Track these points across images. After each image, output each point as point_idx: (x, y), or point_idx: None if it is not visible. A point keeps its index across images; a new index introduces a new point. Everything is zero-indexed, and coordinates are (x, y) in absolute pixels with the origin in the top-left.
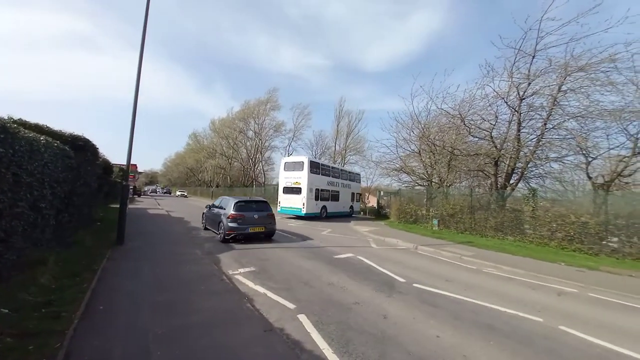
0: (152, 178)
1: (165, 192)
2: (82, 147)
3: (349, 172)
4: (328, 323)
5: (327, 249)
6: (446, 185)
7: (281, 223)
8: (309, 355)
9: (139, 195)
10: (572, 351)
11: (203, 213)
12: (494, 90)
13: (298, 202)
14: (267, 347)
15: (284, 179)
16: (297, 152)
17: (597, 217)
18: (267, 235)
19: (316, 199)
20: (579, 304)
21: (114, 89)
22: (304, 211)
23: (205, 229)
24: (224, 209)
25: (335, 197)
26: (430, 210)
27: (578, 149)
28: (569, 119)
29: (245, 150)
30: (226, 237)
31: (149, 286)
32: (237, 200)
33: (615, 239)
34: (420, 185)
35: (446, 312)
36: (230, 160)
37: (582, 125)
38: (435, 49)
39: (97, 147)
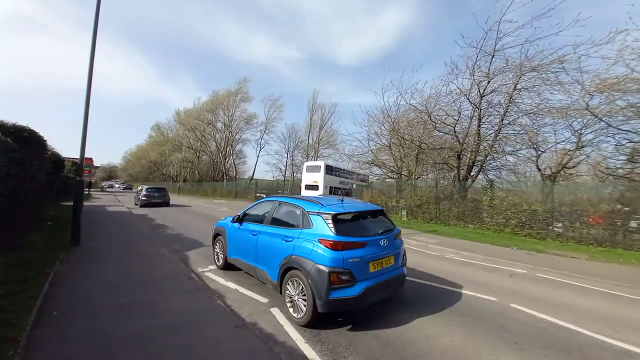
0: (110, 173)
1: (125, 188)
2: (27, 140)
3: (359, 174)
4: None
5: None
6: (414, 178)
7: None
8: (282, 347)
9: (100, 189)
10: (521, 326)
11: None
12: (458, 87)
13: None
14: (238, 343)
15: (306, 178)
16: (270, 145)
17: (544, 205)
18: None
19: (330, 194)
20: (529, 283)
21: (66, 77)
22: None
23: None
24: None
25: (347, 194)
26: (400, 201)
27: (530, 143)
28: (522, 116)
29: (214, 143)
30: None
31: (109, 289)
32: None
33: (560, 225)
34: (391, 178)
35: (411, 296)
36: (198, 153)
37: (534, 121)
38: (405, 45)
39: (45, 139)
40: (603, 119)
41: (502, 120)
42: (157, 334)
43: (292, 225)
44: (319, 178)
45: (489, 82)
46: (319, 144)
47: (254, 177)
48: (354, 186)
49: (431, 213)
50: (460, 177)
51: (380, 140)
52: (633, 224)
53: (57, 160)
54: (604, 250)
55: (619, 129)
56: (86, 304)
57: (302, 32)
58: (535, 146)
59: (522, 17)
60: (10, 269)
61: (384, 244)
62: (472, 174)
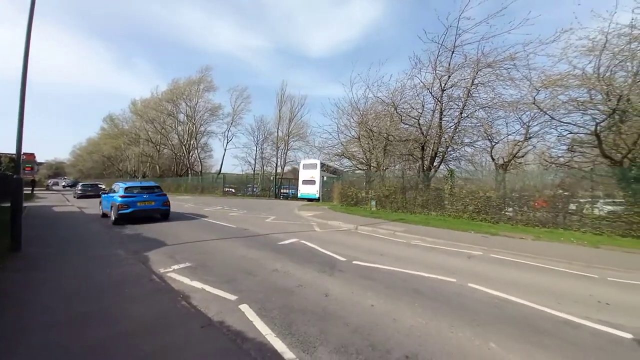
0: (57, 169)
1: (68, 186)
2: None
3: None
4: (271, 309)
5: (271, 236)
6: (382, 169)
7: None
8: (252, 343)
9: (46, 188)
10: (477, 303)
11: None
12: (421, 81)
13: (313, 190)
14: (206, 344)
15: (303, 174)
16: (238, 138)
17: (498, 192)
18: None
19: (323, 188)
20: (484, 264)
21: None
22: (317, 196)
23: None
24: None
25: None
26: (369, 192)
27: (485, 134)
28: (479, 109)
29: (176, 136)
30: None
31: (60, 298)
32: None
33: (511, 209)
34: (360, 170)
35: (380, 283)
36: (158, 147)
37: (489, 114)
38: (373, 39)
39: None
40: (547, 112)
41: (461, 113)
42: (118, 342)
43: (114, 192)
44: (315, 174)
45: (449, 76)
46: (289, 136)
47: (222, 171)
48: (325, 178)
49: (398, 202)
50: (424, 168)
51: (350, 133)
52: (572, 206)
53: None
54: (547, 230)
55: (561, 122)
56: (36, 315)
57: (269, 21)
58: (489, 137)
59: (479, 15)
60: None
61: (146, 196)
62: (434, 164)
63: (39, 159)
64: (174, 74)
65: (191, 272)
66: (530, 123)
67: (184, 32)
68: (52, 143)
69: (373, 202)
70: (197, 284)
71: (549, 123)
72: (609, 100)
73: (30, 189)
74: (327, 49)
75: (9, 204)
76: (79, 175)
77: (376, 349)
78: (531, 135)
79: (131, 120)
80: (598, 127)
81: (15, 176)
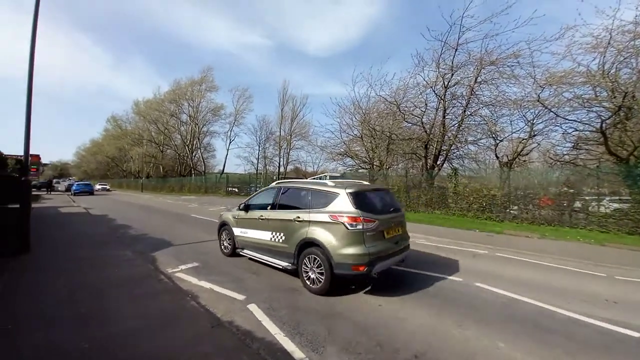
0: (62, 170)
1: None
2: None
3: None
4: (279, 308)
5: None
6: (386, 168)
7: None
8: (261, 343)
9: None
10: (484, 303)
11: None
12: (424, 79)
13: None
14: (215, 343)
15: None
16: (240, 137)
17: (502, 190)
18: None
19: None
20: (489, 263)
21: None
22: None
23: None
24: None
25: None
26: None
27: (489, 133)
28: (482, 107)
29: (179, 136)
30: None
31: (68, 298)
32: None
33: (515, 207)
34: (363, 169)
35: (385, 282)
36: (161, 147)
37: (493, 112)
38: (374, 36)
39: None
40: (552, 109)
41: (464, 111)
42: (127, 340)
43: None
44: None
45: (452, 74)
46: (291, 135)
47: (225, 171)
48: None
49: (402, 201)
50: (428, 166)
51: (352, 132)
52: (577, 204)
53: None
54: (552, 229)
55: (566, 119)
56: (42, 316)
57: (266, 17)
58: (494, 135)
59: (483, 13)
60: None
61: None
62: (438, 162)
63: (43, 160)
64: (174, 73)
65: (198, 272)
66: (534, 121)
67: (181, 30)
68: (56, 144)
69: None
70: (205, 284)
71: (553, 120)
72: (614, 97)
73: (49, 190)
74: (328, 47)
75: (17, 206)
76: (84, 175)
77: (384, 348)
78: (535, 133)
79: (134, 121)
80: (604, 124)
81: (23, 178)
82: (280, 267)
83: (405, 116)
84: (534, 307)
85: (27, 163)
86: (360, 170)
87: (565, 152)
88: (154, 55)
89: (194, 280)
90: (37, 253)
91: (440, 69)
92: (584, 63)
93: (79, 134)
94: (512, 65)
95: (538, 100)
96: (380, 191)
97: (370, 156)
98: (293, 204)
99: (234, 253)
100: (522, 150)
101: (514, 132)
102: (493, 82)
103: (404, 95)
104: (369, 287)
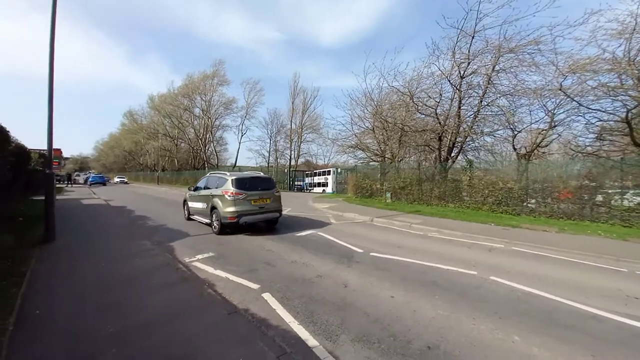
0: (82, 164)
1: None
2: None
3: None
4: (292, 298)
5: (287, 228)
6: (397, 160)
7: None
8: (276, 330)
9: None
10: (499, 297)
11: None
12: (439, 69)
13: (327, 188)
14: (231, 329)
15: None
16: (252, 131)
17: (519, 183)
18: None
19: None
20: (505, 257)
21: (18, 61)
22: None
23: (190, 219)
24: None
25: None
26: (384, 184)
27: (507, 123)
28: (500, 97)
29: (192, 130)
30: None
31: (92, 286)
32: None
33: (533, 201)
34: (375, 161)
35: (398, 275)
36: (176, 141)
37: (511, 102)
38: (386, 26)
39: (8, 130)
40: (575, 98)
41: (481, 101)
42: (150, 326)
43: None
44: (329, 177)
45: (469, 63)
46: (302, 128)
47: (237, 164)
48: (339, 170)
49: (414, 194)
50: (441, 159)
51: (364, 124)
52: (599, 197)
53: (22, 153)
54: (572, 223)
55: (589, 108)
56: (68, 302)
57: (279, 11)
58: (511, 126)
59: None
60: None
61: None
62: (452, 155)
63: (64, 154)
64: (186, 67)
65: (214, 262)
66: (555, 110)
67: (194, 25)
68: (76, 138)
69: (388, 194)
70: (221, 273)
71: (576, 110)
72: None
73: (70, 183)
74: (338, 38)
75: (41, 197)
76: (102, 169)
77: (397, 339)
78: (556, 123)
79: (149, 116)
80: (629, 114)
81: (47, 171)
82: (205, 222)
83: (419, 107)
84: (551, 302)
85: (51, 157)
86: (371, 163)
87: (587, 144)
88: (168, 51)
89: (210, 269)
90: (61, 242)
91: (456, 58)
92: (610, 50)
93: (98, 128)
94: (533, 53)
95: (560, 89)
96: (256, 178)
97: (382, 148)
98: (211, 186)
99: (189, 218)
100: (541, 142)
101: (533, 123)
102: (512, 70)
103: (418, 86)
104: (249, 232)
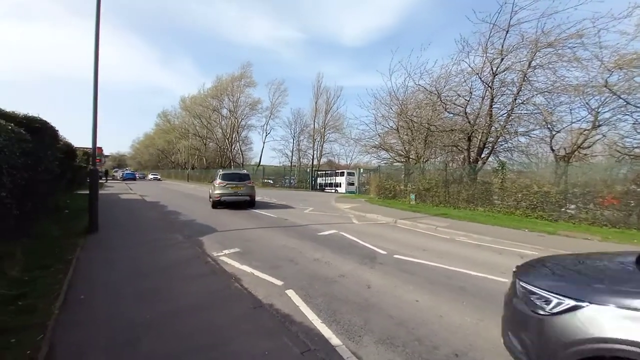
0: (120, 161)
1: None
2: (39, 130)
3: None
4: (315, 296)
5: (310, 227)
6: (423, 161)
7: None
8: (299, 326)
9: (112, 178)
10: None
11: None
12: (469, 65)
13: (352, 188)
14: (257, 323)
15: (348, 179)
16: (275, 131)
17: (557, 186)
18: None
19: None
20: None
21: (67, 65)
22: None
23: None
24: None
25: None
26: (408, 185)
27: (544, 123)
28: (536, 94)
29: (220, 130)
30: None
31: (129, 274)
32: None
33: (573, 206)
34: (399, 162)
35: (423, 278)
36: (204, 140)
37: (549, 100)
38: (409, 23)
39: (57, 129)
40: (622, 96)
41: (515, 99)
42: (179, 316)
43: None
44: (354, 178)
45: (502, 59)
46: (324, 128)
47: (261, 163)
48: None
49: (440, 196)
50: (471, 160)
51: (388, 124)
52: None
53: (69, 150)
54: (617, 231)
55: (638, 107)
56: (108, 289)
57: (300, 11)
58: (549, 126)
59: None
60: (30, 257)
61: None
62: (482, 156)
63: (104, 152)
64: (213, 69)
65: (240, 257)
66: (599, 109)
67: (221, 29)
68: (114, 137)
69: (412, 196)
70: (247, 268)
71: (622, 109)
72: None
73: (106, 178)
74: (361, 37)
75: (85, 192)
76: (138, 166)
77: (423, 343)
78: (600, 122)
79: (181, 116)
80: None
81: (92, 167)
82: (211, 200)
83: (447, 106)
84: None
85: (95, 155)
86: (395, 164)
87: (635, 145)
88: (195, 53)
89: (236, 264)
90: (103, 233)
91: (487, 54)
92: None
93: (134, 128)
94: (574, 47)
95: (605, 86)
96: (236, 173)
97: (407, 149)
98: (214, 178)
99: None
100: (582, 143)
101: (574, 122)
102: (550, 66)
103: (446, 84)
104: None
